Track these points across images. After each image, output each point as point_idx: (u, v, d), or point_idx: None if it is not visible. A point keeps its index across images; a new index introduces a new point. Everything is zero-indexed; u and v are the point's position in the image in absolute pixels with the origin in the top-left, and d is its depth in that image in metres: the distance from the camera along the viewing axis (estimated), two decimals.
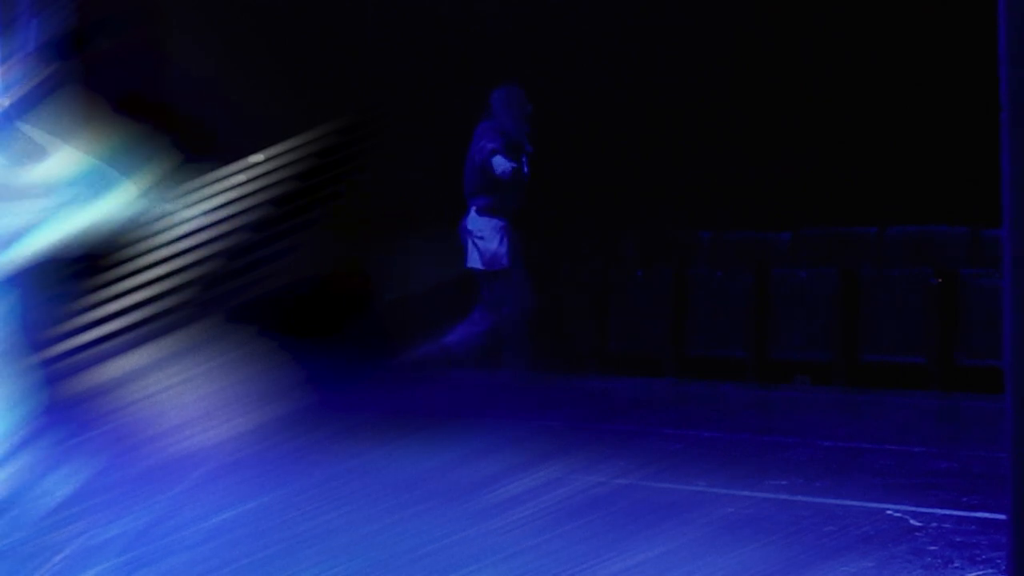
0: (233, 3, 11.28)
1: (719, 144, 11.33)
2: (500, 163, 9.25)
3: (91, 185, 5.79)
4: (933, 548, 4.89)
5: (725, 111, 11.40)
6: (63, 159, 5.79)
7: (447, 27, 11.86)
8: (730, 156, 11.26)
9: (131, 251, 5.99)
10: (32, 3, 6.69)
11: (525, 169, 9.31)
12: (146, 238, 5.99)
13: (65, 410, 5.77)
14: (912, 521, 5.33)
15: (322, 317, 8.45)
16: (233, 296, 5.94)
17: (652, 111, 11.40)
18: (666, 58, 11.42)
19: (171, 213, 6.09)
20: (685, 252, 11.44)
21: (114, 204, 5.79)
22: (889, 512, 5.49)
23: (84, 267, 5.85)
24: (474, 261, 9.36)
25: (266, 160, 6.33)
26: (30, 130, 5.90)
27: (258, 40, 11.42)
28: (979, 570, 4.55)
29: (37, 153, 5.88)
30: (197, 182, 6.28)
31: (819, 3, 11.01)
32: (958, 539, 5.01)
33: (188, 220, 6.13)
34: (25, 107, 5.94)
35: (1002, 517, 3.52)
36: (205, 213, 6.18)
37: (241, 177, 6.25)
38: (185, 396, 5.92)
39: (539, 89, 9.27)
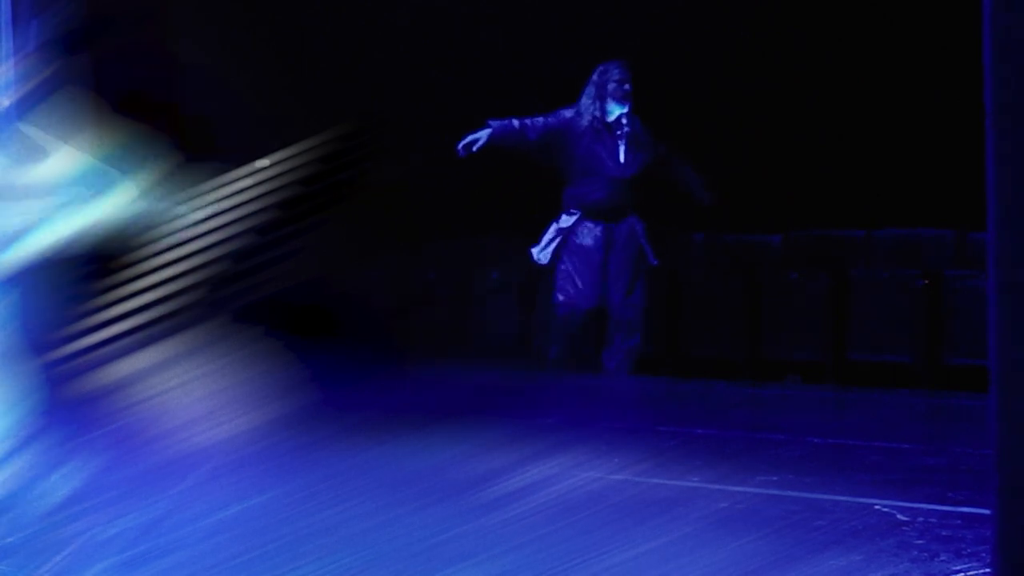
0: (236, 4, 11.30)
1: (713, 148, 11.37)
2: None
3: (91, 185, 5.81)
4: (919, 542, 4.94)
5: (718, 114, 11.44)
6: (63, 159, 5.81)
7: (447, 27, 11.88)
8: (723, 160, 11.31)
9: (135, 252, 6.01)
10: (33, 3, 6.73)
11: None
12: (149, 239, 6.02)
13: (70, 410, 5.82)
14: (899, 516, 5.38)
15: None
16: (238, 297, 5.99)
17: (647, 113, 11.43)
18: (663, 59, 11.46)
19: (172, 214, 6.11)
20: (679, 253, 11.49)
21: (115, 204, 5.81)
22: (877, 507, 5.53)
23: (88, 268, 5.87)
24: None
25: (272, 164, 6.38)
26: (30, 130, 5.91)
27: (260, 41, 11.45)
28: (964, 563, 4.60)
29: (37, 153, 5.89)
30: (198, 184, 6.29)
31: (810, 9, 11.05)
32: (944, 533, 5.06)
33: (190, 221, 6.15)
34: (26, 106, 5.95)
35: (987, 512, 3.54)
36: (206, 214, 6.21)
37: (247, 181, 6.30)
38: (189, 395, 5.97)
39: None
